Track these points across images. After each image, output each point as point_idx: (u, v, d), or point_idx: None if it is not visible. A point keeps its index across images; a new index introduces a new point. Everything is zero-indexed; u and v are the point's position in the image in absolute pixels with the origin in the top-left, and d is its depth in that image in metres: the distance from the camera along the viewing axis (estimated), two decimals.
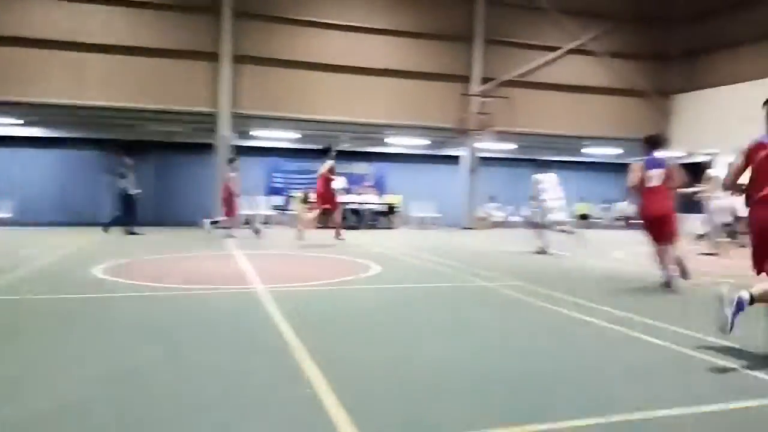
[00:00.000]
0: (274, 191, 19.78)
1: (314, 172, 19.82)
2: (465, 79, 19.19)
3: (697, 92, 19.93)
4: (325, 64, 17.89)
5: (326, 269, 8.74)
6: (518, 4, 19.38)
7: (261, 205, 18.75)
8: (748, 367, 3.84)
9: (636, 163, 7.22)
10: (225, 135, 17.15)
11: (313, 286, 6.96)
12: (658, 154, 7.23)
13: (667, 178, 6.99)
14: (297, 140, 19.34)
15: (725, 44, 19.08)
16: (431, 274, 8.31)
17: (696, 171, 20.81)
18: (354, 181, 19.81)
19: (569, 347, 4.43)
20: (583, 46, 19.96)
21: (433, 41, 18.85)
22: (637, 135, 20.91)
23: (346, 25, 18.11)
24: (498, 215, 20.90)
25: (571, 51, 19.97)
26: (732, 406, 3.15)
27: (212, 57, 16.94)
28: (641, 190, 7.11)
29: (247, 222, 13.76)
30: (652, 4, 20.69)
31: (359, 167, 20.48)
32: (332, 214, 12.55)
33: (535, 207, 12.03)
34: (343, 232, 12.78)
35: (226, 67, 16.99)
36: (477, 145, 19.48)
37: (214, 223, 13.78)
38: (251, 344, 4.30)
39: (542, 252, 11.35)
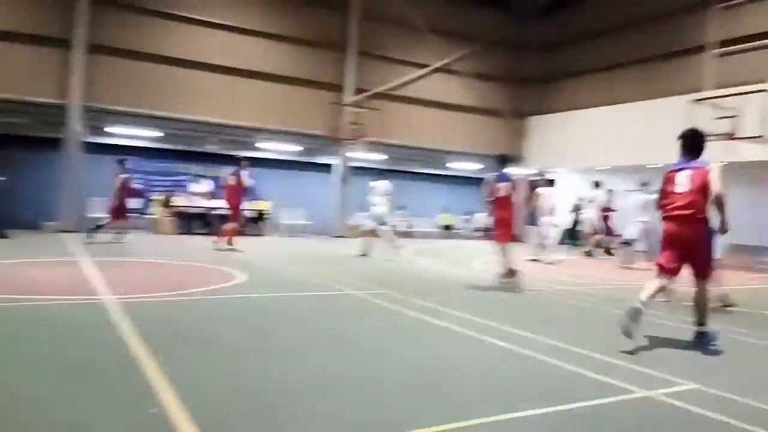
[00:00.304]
0: (131, 194, 18.39)
1: (177, 174, 19.09)
2: (338, 88, 19.34)
3: (547, 116, 21.86)
4: (195, 61, 17.08)
5: (187, 278, 8.29)
6: (392, 20, 19.95)
7: None
8: (591, 369, 4.22)
9: (489, 177, 8.68)
10: (76, 130, 15.70)
11: (169, 296, 6.56)
12: (506, 170, 8.79)
13: (512, 190, 8.46)
14: (159, 140, 18.21)
15: (569, 74, 21.14)
16: (298, 283, 8.20)
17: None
18: (221, 185, 19.09)
19: (430, 353, 4.58)
20: (449, 65, 21.01)
21: (308, 48, 18.78)
22: (495, 152, 22.46)
23: (220, 24, 17.46)
24: (369, 224, 21.21)
25: (439, 69, 20.94)
26: (587, 403, 3.44)
27: (63, 44, 15.46)
28: (492, 201, 8.51)
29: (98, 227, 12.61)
30: (512, 32, 22.32)
31: (228, 171, 19.74)
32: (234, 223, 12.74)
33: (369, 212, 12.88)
34: (235, 240, 12.69)
35: (79, 55, 15.58)
36: (349, 154, 19.68)
37: (96, 228, 12.66)
38: (93, 362, 3.93)
39: (364, 255, 12.24)
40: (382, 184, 13.00)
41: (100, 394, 3.27)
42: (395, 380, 3.81)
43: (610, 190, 16.02)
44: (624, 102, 18.86)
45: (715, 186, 4.96)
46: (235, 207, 12.85)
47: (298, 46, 18.59)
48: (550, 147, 21.49)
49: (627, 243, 12.87)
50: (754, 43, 15.73)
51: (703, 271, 5.16)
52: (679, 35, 17.67)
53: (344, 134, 19.02)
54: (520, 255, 9.40)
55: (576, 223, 19.30)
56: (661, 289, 5.23)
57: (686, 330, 6.03)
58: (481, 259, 12.87)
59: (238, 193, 12.75)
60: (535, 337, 5.21)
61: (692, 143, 5.30)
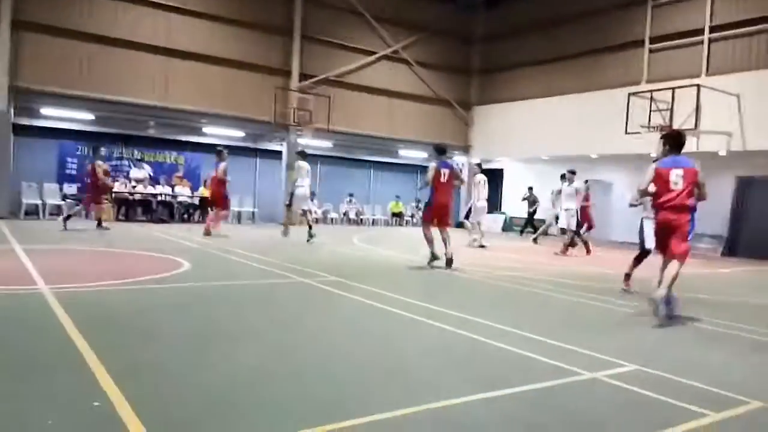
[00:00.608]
0: (67, 179, 17.56)
1: (115, 159, 18.31)
2: (284, 73, 19.03)
3: (492, 105, 22.26)
4: (132, 42, 16.41)
5: (128, 267, 8.00)
6: (338, 6, 19.74)
7: (52, 194, 16.51)
8: (537, 353, 4.34)
9: (433, 164, 9.30)
10: (2, 110, 14.81)
11: (111, 286, 6.30)
12: (447, 158, 9.60)
13: (454, 177, 9.21)
14: (94, 123, 17.43)
15: (512, 65, 21.58)
16: (244, 271, 8.05)
17: (490, 177, 23.13)
18: (165, 171, 18.50)
19: (378, 339, 4.60)
20: (397, 53, 21.02)
21: (252, 31, 18.36)
22: (443, 141, 22.74)
23: (158, 3, 16.82)
24: (317, 211, 21.09)
25: (387, 57, 20.92)
26: (524, 388, 3.53)
27: None
28: (436, 186, 9.10)
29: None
30: (457, 22, 22.53)
31: (170, 156, 19.17)
32: (216, 211, 13.32)
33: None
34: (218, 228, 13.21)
35: (2, 31, 14.64)
36: (297, 140, 19.42)
37: (68, 217, 12.70)
38: (31, 355, 3.73)
39: (285, 234, 13.04)
40: (305, 165, 13.21)
41: (40, 388, 3.10)
42: (342, 367, 3.81)
43: (587, 181, 15.87)
44: (565, 94, 19.43)
45: (703, 185, 5.95)
46: (217, 197, 13.15)
47: (241, 29, 18.15)
48: (495, 137, 21.93)
49: (563, 231, 13.32)
50: (684, 40, 16.49)
51: (675, 252, 5.84)
52: (616, 30, 18.31)
53: (291, 120, 18.74)
54: (460, 240, 9.70)
55: (532, 212, 19.87)
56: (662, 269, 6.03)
57: (632, 314, 6.30)
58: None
59: (218, 184, 13.01)
60: (481, 321, 5.31)
61: (678, 143, 6.17)
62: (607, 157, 18.86)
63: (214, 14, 17.68)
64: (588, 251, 13.13)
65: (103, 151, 13.35)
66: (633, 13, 17.86)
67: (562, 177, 15.21)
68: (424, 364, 4.00)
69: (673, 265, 5.74)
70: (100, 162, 12.99)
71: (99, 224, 12.79)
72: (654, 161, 6.42)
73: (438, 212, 9.24)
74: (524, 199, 20.04)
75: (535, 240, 15.42)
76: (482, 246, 13.46)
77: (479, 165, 15.18)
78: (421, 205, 23.00)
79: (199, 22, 17.47)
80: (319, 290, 6.75)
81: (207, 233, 12.61)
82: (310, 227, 12.77)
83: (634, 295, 7.27)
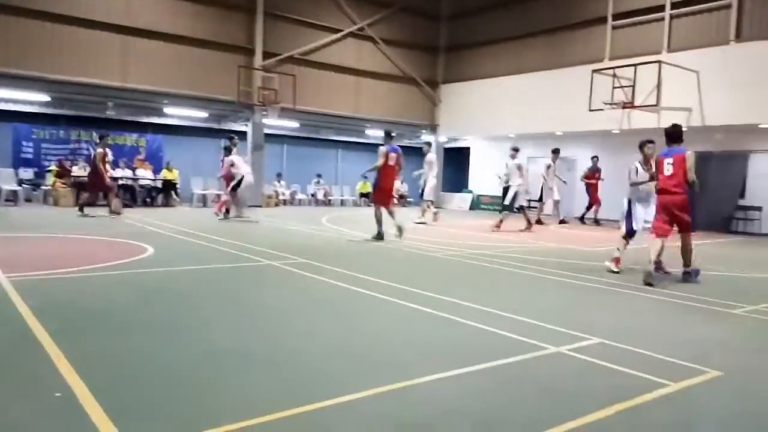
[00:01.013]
0: (23, 163, 16.97)
1: (74, 141, 17.75)
2: (248, 51, 18.59)
3: (459, 84, 22.22)
4: (90, 20, 15.74)
5: (90, 253, 7.79)
6: None
7: (7, 180, 15.91)
8: (504, 329, 4.40)
9: (383, 148, 9.83)
10: None
11: (71, 273, 6.13)
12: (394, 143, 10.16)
13: (398, 162, 9.86)
14: (49, 104, 16.81)
15: (478, 43, 21.52)
16: (211, 255, 7.93)
17: (458, 156, 23.16)
18: (125, 153, 18.01)
19: (348, 320, 4.60)
20: (363, 31, 20.74)
21: (214, 8, 17.82)
22: (410, 120, 22.67)
23: None
24: (285, 193, 20.90)
25: (353, 35, 20.62)
26: (493, 363, 3.57)
27: None
28: (386, 169, 9.75)
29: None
30: None
31: (131, 139, 18.67)
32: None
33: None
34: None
35: None
36: (262, 121, 19.09)
37: (83, 207, 12.77)
38: None
39: (225, 218, 13.43)
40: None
41: (4, 377, 3.01)
42: (310, 349, 3.80)
43: (595, 158, 16.39)
44: (530, 71, 19.52)
45: (690, 169, 6.76)
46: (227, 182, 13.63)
47: (202, 6, 17.59)
48: (462, 115, 21.95)
49: (520, 208, 13.47)
50: (646, 17, 16.69)
51: (687, 226, 6.98)
52: (579, 7, 18.40)
53: (256, 100, 18.40)
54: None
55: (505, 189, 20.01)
56: (662, 249, 6.91)
57: (596, 289, 6.44)
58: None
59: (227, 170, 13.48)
60: (448, 299, 5.36)
61: (675, 135, 7.11)
62: (572, 134, 19.10)
63: None
64: (529, 227, 13.20)
65: (107, 139, 13.48)
66: None
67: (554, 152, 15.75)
68: (392, 344, 4.02)
69: (684, 239, 6.98)
70: (100, 150, 12.96)
71: (111, 211, 12.99)
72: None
73: (390, 194, 10.17)
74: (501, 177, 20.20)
75: (538, 221, 15.20)
76: (422, 223, 14.01)
77: (429, 144, 15.62)
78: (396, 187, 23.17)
79: (158, 0, 16.88)
80: (287, 273, 6.70)
81: (225, 213, 13.77)
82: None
83: (619, 274, 7.34)
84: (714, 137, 15.39)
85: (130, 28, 16.38)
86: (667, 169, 6.83)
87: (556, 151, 16.12)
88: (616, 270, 7.41)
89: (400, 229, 9.91)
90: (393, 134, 10.43)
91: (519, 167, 13.30)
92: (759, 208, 15.27)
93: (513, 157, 13.53)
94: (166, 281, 6.02)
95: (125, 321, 4.37)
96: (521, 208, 13.70)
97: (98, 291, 5.38)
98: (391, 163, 9.80)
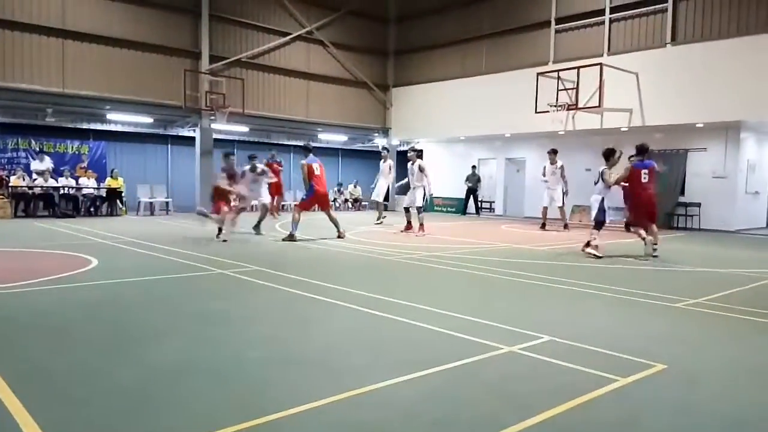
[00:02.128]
0: None
1: (11, 150, 16.92)
2: (194, 55, 18.19)
3: (409, 87, 22.38)
4: (25, 23, 15.09)
5: (31, 266, 7.43)
6: None
7: None
8: (458, 330, 4.43)
9: (303, 161, 11.12)
10: None
11: (10, 287, 5.81)
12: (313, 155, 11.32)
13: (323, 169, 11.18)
14: None
15: (426, 46, 21.72)
16: (158, 265, 7.69)
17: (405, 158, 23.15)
18: (67, 162, 17.30)
19: (298, 327, 4.53)
20: (312, 34, 20.61)
21: (157, 11, 17.36)
22: (361, 123, 22.68)
23: None
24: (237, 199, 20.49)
25: (302, 38, 20.47)
26: (449, 366, 3.58)
27: None
28: (314, 179, 10.95)
29: None
30: (370, 2, 22.29)
31: (72, 147, 17.94)
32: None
33: None
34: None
35: None
36: (211, 126, 18.69)
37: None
38: None
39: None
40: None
41: None
42: (262, 359, 3.72)
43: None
44: (478, 74, 19.85)
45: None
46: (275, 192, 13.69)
47: (145, 9, 17.12)
48: (414, 118, 22.11)
49: (407, 209, 12.80)
50: (587, 20, 17.24)
51: (655, 217, 9.53)
52: (525, 11, 18.83)
53: (203, 105, 18.01)
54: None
55: (473, 190, 20.36)
56: (643, 237, 9.18)
57: (546, 287, 6.57)
58: (353, 232, 12.99)
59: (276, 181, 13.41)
60: (401, 302, 5.37)
61: (645, 150, 9.37)
62: (520, 136, 19.52)
63: None
64: (408, 228, 12.63)
65: (232, 158, 11.50)
66: None
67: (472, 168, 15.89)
68: (347, 349, 3.98)
69: (653, 228, 9.20)
70: (223, 172, 11.37)
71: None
72: (629, 159, 9.83)
73: (318, 200, 11.33)
74: (467, 179, 20.49)
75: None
76: (378, 223, 14.81)
77: (387, 150, 15.91)
78: (344, 189, 23.20)
79: (96, 2, 16.31)
80: (239, 281, 6.56)
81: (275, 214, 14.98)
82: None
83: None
84: (654, 137, 16.00)
85: (69, 32, 15.79)
86: (644, 177, 9.12)
87: (553, 152, 14.70)
88: (600, 255, 8.99)
89: (341, 235, 11.20)
90: (311, 147, 11.56)
91: (421, 169, 12.54)
92: (698, 204, 15.98)
93: (412, 159, 12.77)
94: (110, 294, 5.79)
95: (65, 337, 4.17)
96: (408, 209, 12.83)
97: (37, 306, 5.12)
98: (318, 173, 11.03)
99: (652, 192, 9.25)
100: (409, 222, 12.83)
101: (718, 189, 15.76)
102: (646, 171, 9.16)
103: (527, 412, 2.90)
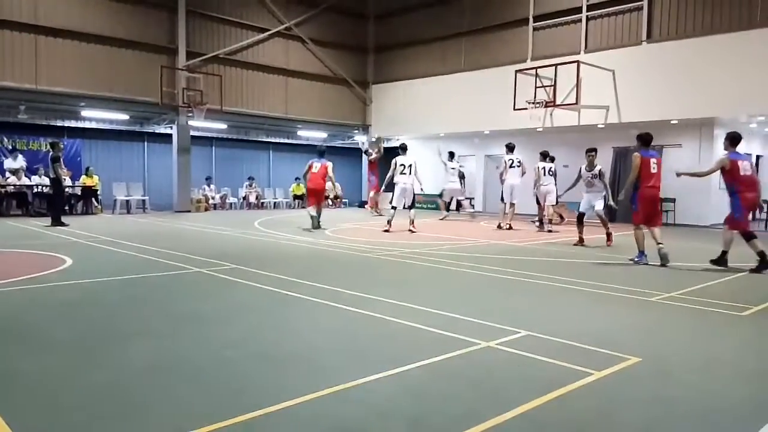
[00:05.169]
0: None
1: None
2: (171, 51, 17.97)
3: (389, 84, 22.37)
4: None
5: (2, 267, 7.27)
6: None
7: None
8: (435, 326, 4.44)
9: (311, 161, 12.79)
10: None
11: None
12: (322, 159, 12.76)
13: (323, 169, 12.52)
14: None
15: (405, 43, 21.73)
16: (135, 264, 7.58)
17: (392, 155, 23.18)
18: (41, 160, 16.95)
19: (278, 325, 4.51)
20: (290, 30, 20.49)
21: (133, 6, 17.11)
22: (341, 120, 22.62)
23: None
24: (215, 197, 20.34)
25: (281, 34, 20.34)
26: (426, 362, 3.59)
27: None
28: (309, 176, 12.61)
29: None
30: None
31: (45, 144, 17.59)
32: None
33: None
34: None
35: None
36: (188, 123, 18.48)
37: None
38: None
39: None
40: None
41: None
42: (241, 358, 3.69)
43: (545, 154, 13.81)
44: (457, 71, 19.91)
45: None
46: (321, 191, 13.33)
47: (120, 4, 16.86)
48: (393, 115, 22.12)
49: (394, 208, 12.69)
50: (564, 18, 17.40)
51: (660, 221, 8.59)
52: (503, 9, 18.93)
53: (180, 101, 17.80)
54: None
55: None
56: (643, 236, 8.33)
57: (521, 282, 6.62)
58: (333, 229, 12.98)
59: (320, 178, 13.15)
60: (379, 298, 5.37)
61: (650, 139, 8.55)
62: (499, 133, 19.66)
63: None
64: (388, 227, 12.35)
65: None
66: None
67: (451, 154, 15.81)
68: (325, 347, 3.97)
69: (656, 230, 8.22)
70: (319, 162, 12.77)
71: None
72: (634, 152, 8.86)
73: (309, 193, 13.08)
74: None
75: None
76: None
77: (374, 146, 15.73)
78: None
79: None
80: (216, 280, 6.50)
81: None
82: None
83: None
84: (630, 133, 16.21)
85: (41, 27, 15.50)
86: (653, 168, 8.21)
87: (544, 154, 13.80)
88: (586, 245, 10.09)
89: (313, 224, 12.45)
90: (322, 149, 13.38)
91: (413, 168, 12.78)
92: (673, 200, 16.24)
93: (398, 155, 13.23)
94: (85, 294, 5.70)
95: (39, 339, 4.09)
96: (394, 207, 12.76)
97: (7, 308, 5.02)
98: (314, 170, 12.65)
99: (658, 187, 8.26)
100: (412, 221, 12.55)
101: (693, 185, 15.98)
102: (655, 161, 8.26)
103: (504, 406, 2.92)
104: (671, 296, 5.87)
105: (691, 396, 3.22)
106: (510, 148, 13.78)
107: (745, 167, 7.70)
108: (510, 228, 13.23)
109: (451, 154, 17.25)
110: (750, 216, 8.15)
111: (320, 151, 13.26)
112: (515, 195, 13.50)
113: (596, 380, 3.35)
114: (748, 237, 7.64)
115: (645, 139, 8.49)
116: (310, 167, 12.72)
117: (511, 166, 13.56)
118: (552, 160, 13.73)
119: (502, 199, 13.69)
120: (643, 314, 5.15)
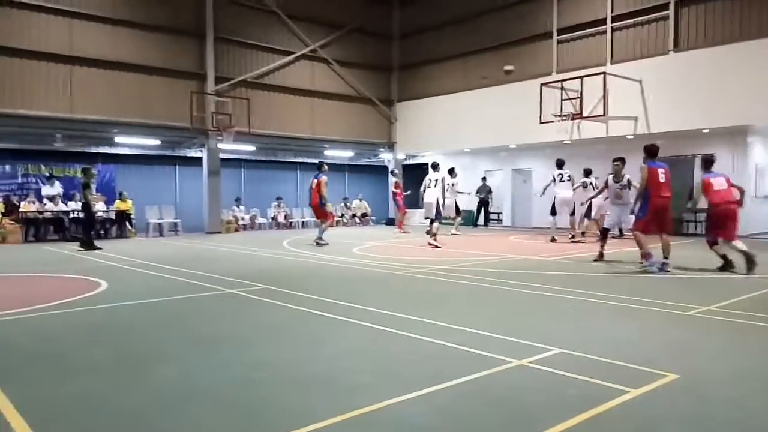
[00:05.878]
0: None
1: (21, 176, 17.13)
2: (200, 77, 18.41)
3: (413, 101, 22.48)
4: (32, 51, 15.36)
5: (40, 291, 7.47)
6: (248, 5, 19.29)
7: None
8: (469, 345, 4.39)
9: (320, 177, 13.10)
10: None
11: (19, 313, 5.84)
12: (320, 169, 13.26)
13: (319, 185, 13.06)
14: None
15: (430, 60, 21.83)
16: (167, 287, 7.71)
17: (417, 173, 23.18)
18: (75, 186, 17.44)
19: (307, 346, 4.51)
20: (315, 52, 20.80)
21: (162, 34, 17.61)
22: (366, 139, 22.77)
23: (58, 9, 15.81)
24: (245, 217, 20.60)
25: (306, 57, 20.67)
26: (459, 381, 3.55)
27: None
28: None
29: None
30: (373, 19, 22.51)
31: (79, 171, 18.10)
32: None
33: None
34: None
35: None
36: (218, 146, 18.84)
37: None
38: None
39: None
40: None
41: None
42: (270, 379, 3.70)
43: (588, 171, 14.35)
44: (482, 87, 19.89)
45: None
46: (315, 207, 13.90)
47: (150, 33, 17.38)
48: (419, 132, 22.18)
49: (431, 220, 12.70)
50: (589, 30, 17.29)
51: (669, 229, 8.78)
52: (526, 23, 18.92)
53: (210, 125, 18.18)
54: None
55: (485, 202, 20.25)
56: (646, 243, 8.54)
57: (550, 298, 6.52)
58: (360, 247, 13.00)
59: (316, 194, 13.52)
60: (410, 317, 5.34)
61: (655, 151, 8.76)
62: (525, 147, 19.51)
63: (119, 18, 16.82)
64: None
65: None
66: (540, 6, 18.53)
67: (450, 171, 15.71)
68: (355, 367, 3.96)
69: (666, 238, 8.46)
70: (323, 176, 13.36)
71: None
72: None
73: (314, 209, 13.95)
74: (477, 191, 20.30)
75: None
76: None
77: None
78: (350, 203, 23.25)
79: (102, 27, 16.56)
80: (246, 300, 6.56)
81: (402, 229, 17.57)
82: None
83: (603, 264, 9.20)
84: (659, 143, 15.91)
85: (75, 58, 16.05)
86: (662, 177, 8.41)
87: (587, 171, 14.33)
88: (605, 260, 9.78)
89: (321, 239, 13.03)
90: (320, 168, 13.41)
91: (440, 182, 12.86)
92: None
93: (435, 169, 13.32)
94: (118, 318, 5.81)
95: (72, 363, 4.18)
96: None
97: (44, 332, 5.14)
98: (313, 186, 13.26)
99: (669, 196, 8.46)
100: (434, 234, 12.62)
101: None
102: (663, 171, 8.45)
103: (538, 426, 2.86)
104: (709, 309, 5.70)
105: (732, 415, 3.11)
106: (559, 164, 14.20)
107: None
108: (554, 240, 13.60)
109: (451, 171, 16.63)
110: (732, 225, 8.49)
111: (318, 166, 13.55)
112: (570, 207, 13.93)
113: (632, 398, 3.26)
114: (713, 244, 8.59)
115: (651, 151, 8.79)
116: (311, 183, 13.41)
117: (561, 181, 13.97)
118: (590, 173, 14.17)
119: (552, 213, 14.00)
120: (680, 329, 5.01)
